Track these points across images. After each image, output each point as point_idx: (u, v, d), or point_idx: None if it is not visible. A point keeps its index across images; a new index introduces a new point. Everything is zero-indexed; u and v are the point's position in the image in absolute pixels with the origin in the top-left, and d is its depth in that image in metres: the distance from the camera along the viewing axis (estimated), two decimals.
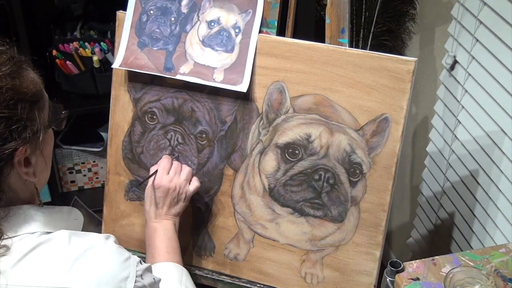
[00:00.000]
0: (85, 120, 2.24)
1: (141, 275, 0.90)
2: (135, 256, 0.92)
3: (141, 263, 0.92)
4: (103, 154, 2.33)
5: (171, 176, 1.21)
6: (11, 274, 0.82)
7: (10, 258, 0.83)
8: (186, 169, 1.24)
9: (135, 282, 0.88)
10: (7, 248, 0.84)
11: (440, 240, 1.78)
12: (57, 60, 2.07)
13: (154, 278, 0.95)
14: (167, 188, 1.19)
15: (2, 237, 0.84)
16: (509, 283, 1.11)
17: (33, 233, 0.86)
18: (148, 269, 0.95)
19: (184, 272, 1.15)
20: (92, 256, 0.86)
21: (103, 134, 2.27)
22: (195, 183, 1.25)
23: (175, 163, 1.25)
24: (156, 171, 1.22)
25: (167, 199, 1.20)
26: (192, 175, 1.26)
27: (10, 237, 0.85)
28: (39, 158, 0.90)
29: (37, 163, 0.89)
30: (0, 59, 0.85)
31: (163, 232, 1.19)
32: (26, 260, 0.83)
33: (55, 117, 0.94)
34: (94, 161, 2.38)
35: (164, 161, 1.24)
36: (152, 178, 1.22)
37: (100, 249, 0.88)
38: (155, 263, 1.14)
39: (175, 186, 1.20)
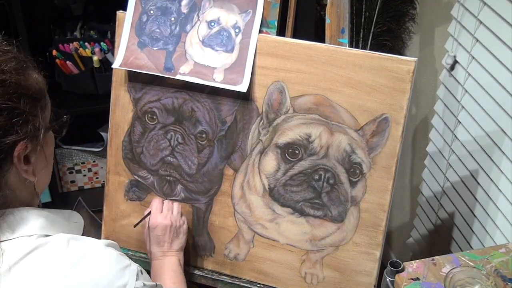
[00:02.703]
0: (85, 120, 2.24)
1: (143, 284, 0.89)
2: (137, 265, 0.91)
3: (141, 272, 0.91)
4: (103, 154, 2.33)
5: (165, 213, 1.26)
6: (7, 277, 0.81)
7: (5, 261, 0.81)
8: (176, 204, 1.30)
9: None
10: (1, 250, 0.82)
11: (440, 240, 1.78)
12: (57, 60, 2.07)
13: (153, 284, 0.94)
14: (164, 225, 1.24)
15: None
16: (509, 283, 1.11)
17: (30, 235, 0.85)
18: (149, 279, 0.93)
19: None
20: (89, 261, 0.85)
21: (103, 134, 2.26)
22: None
23: (165, 201, 1.30)
24: (150, 212, 1.27)
25: (166, 236, 1.24)
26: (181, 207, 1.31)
27: (5, 240, 0.83)
28: (39, 157, 0.89)
29: (37, 162, 0.88)
30: (6, 56, 0.86)
31: (167, 266, 1.22)
32: (22, 264, 0.82)
33: (56, 121, 0.94)
34: (94, 161, 2.38)
35: (156, 201, 1.29)
36: (147, 219, 1.27)
37: (98, 255, 0.86)
38: None
39: (171, 222, 1.25)
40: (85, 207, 2.13)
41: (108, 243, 0.90)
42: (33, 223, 0.86)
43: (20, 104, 0.84)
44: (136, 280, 0.88)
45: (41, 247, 0.84)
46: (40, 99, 0.88)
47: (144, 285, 0.89)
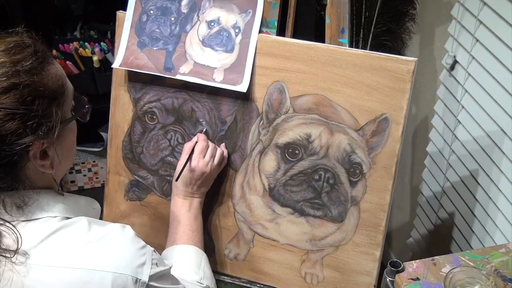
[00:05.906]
0: None
1: (156, 264, 0.93)
2: (149, 246, 0.94)
3: (155, 252, 0.95)
4: (103, 154, 2.33)
5: (207, 160, 1.22)
6: (33, 253, 0.85)
7: (32, 239, 0.85)
8: (219, 152, 1.24)
9: (151, 268, 0.91)
10: (29, 229, 0.86)
11: (440, 240, 1.78)
12: (57, 60, 2.06)
13: (166, 267, 0.97)
14: (202, 172, 1.21)
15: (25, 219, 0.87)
16: (509, 283, 1.11)
17: (54, 217, 0.89)
18: (162, 259, 0.97)
19: (203, 257, 1.19)
20: (110, 241, 0.89)
21: (103, 134, 2.27)
22: (223, 164, 1.27)
23: (211, 145, 1.24)
24: (193, 151, 1.22)
25: (199, 181, 1.22)
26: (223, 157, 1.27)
27: (31, 220, 0.87)
28: (58, 150, 0.90)
29: (54, 155, 0.89)
30: (24, 52, 0.84)
31: (189, 208, 1.22)
32: (48, 242, 0.86)
33: (79, 109, 0.95)
34: (94, 161, 2.38)
35: (202, 143, 1.23)
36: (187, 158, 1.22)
37: (118, 236, 0.90)
38: (177, 245, 1.17)
39: (210, 171, 1.22)
40: None
41: (124, 226, 0.93)
42: (56, 206, 0.90)
43: (34, 107, 0.83)
44: (152, 258, 0.92)
45: (65, 227, 0.88)
46: (56, 98, 0.87)
47: (158, 265, 0.93)
